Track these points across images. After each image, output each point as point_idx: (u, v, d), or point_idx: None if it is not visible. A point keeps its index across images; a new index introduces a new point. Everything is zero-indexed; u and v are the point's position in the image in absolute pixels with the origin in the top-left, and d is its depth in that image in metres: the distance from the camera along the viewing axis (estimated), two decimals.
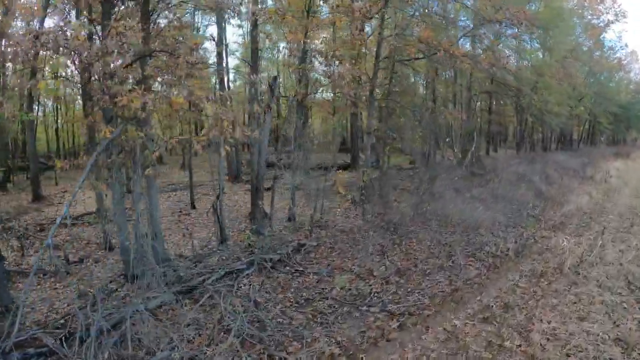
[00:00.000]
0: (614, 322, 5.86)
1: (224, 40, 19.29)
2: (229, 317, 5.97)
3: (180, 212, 11.96)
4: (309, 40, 11.22)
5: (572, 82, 30.49)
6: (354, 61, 12.09)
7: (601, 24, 39.34)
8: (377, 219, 10.52)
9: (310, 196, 11.12)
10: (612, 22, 38.47)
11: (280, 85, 20.38)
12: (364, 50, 13.62)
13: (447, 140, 22.70)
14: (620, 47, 47.52)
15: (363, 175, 11.34)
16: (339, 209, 12.49)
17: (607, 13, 37.98)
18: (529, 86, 23.88)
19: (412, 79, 20.07)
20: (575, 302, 6.51)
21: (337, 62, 11.17)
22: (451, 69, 21.03)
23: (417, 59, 13.39)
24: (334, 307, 6.67)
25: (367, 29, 15.29)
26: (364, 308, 6.59)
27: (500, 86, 24.11)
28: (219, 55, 19.19)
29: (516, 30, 22.23)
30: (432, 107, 19.61)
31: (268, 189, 12.30)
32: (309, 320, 6.25)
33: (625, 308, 6.28)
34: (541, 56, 30.84)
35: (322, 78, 12.64)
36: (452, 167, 17.83)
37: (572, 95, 33.94)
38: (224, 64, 20.20)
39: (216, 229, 9.15)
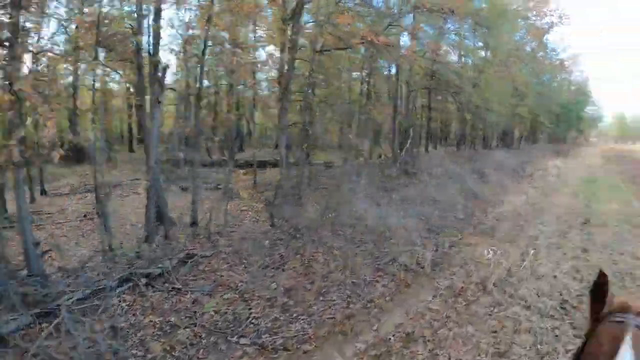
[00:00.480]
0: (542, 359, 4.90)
1: None
2: (80, 347, 4.91)
3: (84, 216, 10.37)
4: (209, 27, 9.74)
5: (514, 81, 31.78)
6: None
7: (545, 26, 40.90)
8: (287, 224, 9.00)
9: (222, 197, 9.66)
10: (556, 25, 40.49)
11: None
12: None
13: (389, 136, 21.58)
14: (563, 49, 51.50)
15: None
16: (250, 212, 10.86)
17: (552, 15, 39.66)
18: (470, 83, 24.21)
19: (346, 73, 18.78)
20: (495, 332, 5.59)
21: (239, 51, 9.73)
22: (392, 64, 20.68)
23: (339, 49, 12.09)
24: (201, 336, 5.54)
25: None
26: (234, 339, 5.51)
27: (441, 83, 24.14)
28: None
29: (457, 26, 24.63)
30: (366, 102, 19.68)
31: (186, 188, 11.67)
32: (166, 353, 5.17)
33: (557, 336, 5.43)
34: (484, 55, 31.23)
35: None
36: (384, 165, 16.80)
37: (514, 94, 35.09)
38: None
39: (102, 237, 7.47)
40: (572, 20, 53.81)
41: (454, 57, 30.82)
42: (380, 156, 23.07)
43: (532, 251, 8.38)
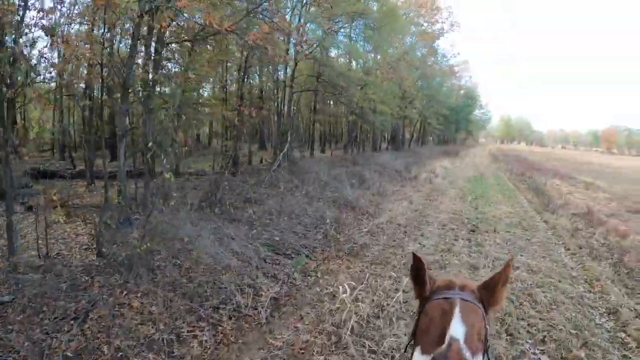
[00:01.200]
0: None
1: None
2: None
3: None
4: None
5: (403, 83, 32.32)
6: None
7: (436, 32, 42.18)
8: (120, 252, 6.95)
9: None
10: (447, 32, 42.42)
11: None
12: None
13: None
14: (453, 54, 54.44)
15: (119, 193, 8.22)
16: (85, 236, 8.59)
17: (443, 22, 41.33)
18: (355, 85, 23.99)
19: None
20: None
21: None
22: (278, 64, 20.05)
23: (185, 40, 10.39)
24: None
25: None
26: None
27: (326, 85, 23.68)
28: None
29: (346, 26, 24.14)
30: (240, 103, 18.23)
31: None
32: None
33: None
34: (373, 57, 31.70)
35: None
36: (258, 172, 15.36)
37: (402, 95, 35.60)
38: None
39: None
40: (464, 26, 56.12)
41: (343, 60, 31.72)
42: (261, 161, 21.64)
43: (406, 279, 6.50)
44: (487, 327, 1.58)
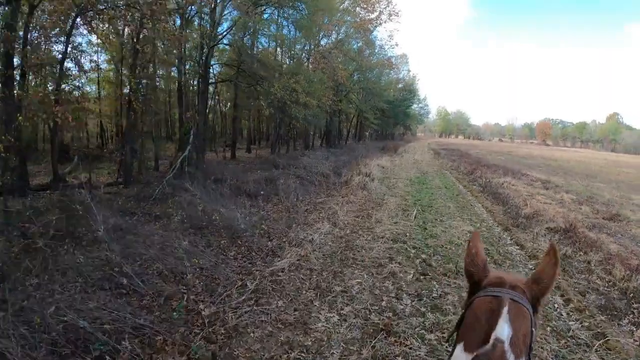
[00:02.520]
0: None
1: None
2: None
3: None
4: None
5: (336, 75, 30.18)
6: None
7: (373, 22, 39.58)
8: None
9: None
10: (385, 22, 39.90)
11: None
12: None
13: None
14: (391, 46, 49.12)
15: None
16: None
17: (381, 12, 38.73)
18: (278, 75, 22.19)
19: None
20: None
21: None
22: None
23: None
24: None
25: None
26: None
27: (245, 75, 21.65)
28: None
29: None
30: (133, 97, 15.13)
31: None
32: None
33: None
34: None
35: None
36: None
37: (336, 88, 34.25)
38: None
39: None
40: (402, 18, 53.92)
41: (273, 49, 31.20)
42: (171, 165, 17.89)
43: None
44: (534, 329, 1.54)
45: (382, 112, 57.63)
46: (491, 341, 1.40)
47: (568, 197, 17.30)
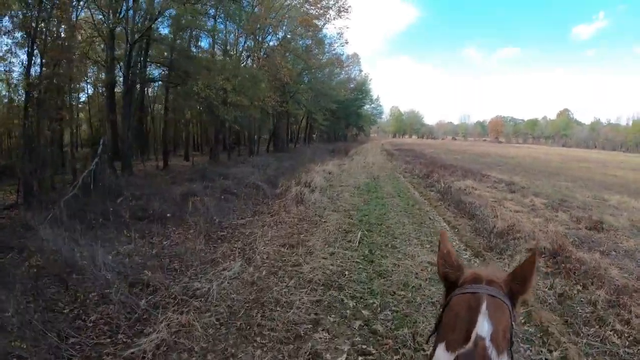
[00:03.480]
0: None
1: None
2: None
3: None
4: None
5: (279, 73, 29.76)
6: None
7: (321, 18, 38.39)
8: None
9: None
10: (334, 19, 38.83)
11: None
12: None
13: None
14: (341, 44, 46.44)
15: None
16: None
17: (330, 8, 37.61)
18: (210, 73, 20.00)
19: None
20: None
21: None
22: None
23: None
24: None
25: None
26: None
27: (176, 75, 21.34)
28: None
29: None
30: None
31: None
32: None
33: None
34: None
35: None
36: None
37: (283, 89, 34.71)
38: None
39: None
40: (353, 15, 52.90)
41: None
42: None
43: None
44: (513, 323, 1.56)
45: (332, 112, 56.85)
46: (472, 339, 1.39)
47: (539, 201, 15.26)
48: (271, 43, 36.23)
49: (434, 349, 1.54)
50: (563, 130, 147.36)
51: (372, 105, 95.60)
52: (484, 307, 1.47)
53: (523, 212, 13.13)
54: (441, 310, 1.65)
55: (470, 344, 1.38)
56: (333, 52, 48.55)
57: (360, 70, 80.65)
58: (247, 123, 27.89)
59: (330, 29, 55.01)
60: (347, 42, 46.50)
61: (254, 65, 30.48)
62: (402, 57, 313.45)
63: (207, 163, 24.80)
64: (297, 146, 51.32)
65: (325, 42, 45.70)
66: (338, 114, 61.98)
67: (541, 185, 21.62)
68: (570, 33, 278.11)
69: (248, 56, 31.82)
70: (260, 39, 32.32)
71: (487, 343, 1.38)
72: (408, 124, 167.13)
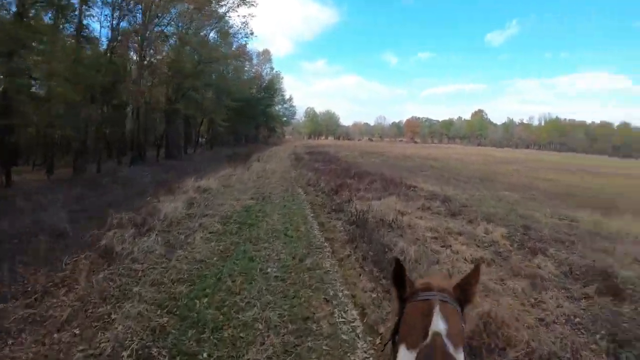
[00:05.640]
0: None
1: None
2: None
3: None
4: None
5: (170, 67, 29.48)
6: None
7: (223, 4, 36.36)
8: None
9: None
10: (238, 6, 36.81)
11: None
12: None
13: None
14: (246, 34, 41.62)
15: None
16: None
17: None
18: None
19: None
20: None
21: None
22: None
23: None
24: None
25: None
26: None
27: None
28: None
29: None
30: None
31: None
32: None
33: None
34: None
35: None
36: None
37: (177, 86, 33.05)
38: None
39: None
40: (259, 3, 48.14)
41: None
42: None
43: None
44: (464, 325, 1.66)
45: (237, 112, 50.52)
46: (430, 335, 1.48)
47: (498, 233, 10.14)
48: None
49: (396, 353, 1.60)
50: (478, 130, 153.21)
51: (285, 105, 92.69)
52: (437, 309, 1.57)
53: (488, 264, 7.84)
54: (397, 318, 1.72)
55: (428, 340, 1.47)
56: (237, 42, 44.07)
57: (272, 68, 77.87)
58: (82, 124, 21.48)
59: (235, 18, 50.18)
60: (252, 33, 41.23)
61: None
62: (319, 60, 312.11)
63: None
64: (197, 151, 45.57)
65: (231, 32, 41.29)
66: (245, 113, 55.15)
67: (483, 199, 16.79)
68: (484, 39, 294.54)
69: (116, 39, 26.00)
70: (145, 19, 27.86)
71: (445, 338, 1.46)
72: (324, 125, 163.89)
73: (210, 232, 10.10)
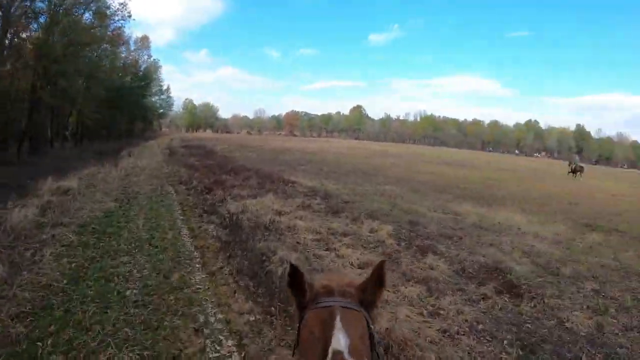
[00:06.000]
0: None
1: None
2: None
3: None
4: None
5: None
6: None
7: None
8: None
9: None
10: None
11: None
12: None
13: None
14: (123, 16, 38.86)
15: None
16: None
17: None
18: None
19: None
20: None
21: None
22: None
23: None
24: None
25: None
26: None
27: None
28: None
29: None
30: None
31: None
32: None
33: None
34: None
35: None
36: None
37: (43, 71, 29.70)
38: None
39: None
40: None
41: None
42: None
43: None
44: (372, 326, 1.57)
45: (109, 102, 46.57)
46: (330, 355, 1.37)
47: (384, 231, 9.84)
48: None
49: None
50: (356, 124, 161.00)
51: (162, 96, 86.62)
52: (337, 320, 1.45)
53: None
54: (297, 327, 1.61)
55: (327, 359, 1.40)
56: (113, 25, 40.53)
57: (150, 56, 72.73)
58: None
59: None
60: (130, 16, 38.41)
61: None
62: (201, 51, 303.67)
63: None
64: (68, 146, 41.18)
65: (107, 13, 37.79)
66: (117, 103, 51.33)
67: (365, 194, 16.57)
68: (366, 40, 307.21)
69: None
70: None
71: (346, 356, 1.35)
72: (202, 118, 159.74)
73: (63, 246, 8.46)
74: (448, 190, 20.53)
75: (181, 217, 11.65)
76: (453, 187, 22.62)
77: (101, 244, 8.84)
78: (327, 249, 8.63)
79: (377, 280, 1.62)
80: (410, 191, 18.75)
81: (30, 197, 12.75)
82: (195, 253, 8.49)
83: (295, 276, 1.62)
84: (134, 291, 6.49)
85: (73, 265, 7.47)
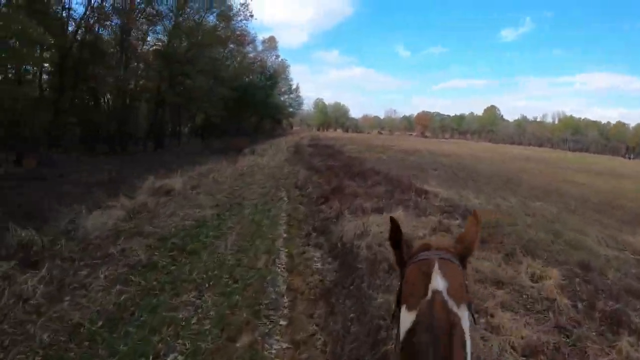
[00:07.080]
0: None
1: None
2: None
3: None
4: None
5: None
6: None
7: None
8: None
9: None
10: None
11: None
12: None
13: None
14: (245, 16, 40.43)
15: None
16: None
17: None
18: None
19: None
20: None
21: None
22: None
23: None
24: None
25: None
26: None
27: None
28: None
29: None
30: None
31: None
32: None
33: None
34: None
35: None
36: None
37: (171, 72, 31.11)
38: None
39: None
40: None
41: None
42: None
43: None
44: (466, 282, 1.62)
45: (235, 101, 47.56)
46: (429, 293, 1.44)
47: (551, 281, 6.25)
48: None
49: (399, 315, 1.54)
50: (490, 125, 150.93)
51: (291, 95, 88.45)
52: (436, 267, 1.51)
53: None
54: (399, 283, 1.68)
55: (428, 297, 1.42)
56: (237, 25, 41.69)
57: (277, 56, 75.02)
58: None
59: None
60: (252, 16, 39.00)
61: None
62: (333, 51, 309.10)
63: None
64: (192, 142, 42.63)
65: (230, 14, 39.31)
66: (243, 102, 51.79)
67: (513, 212, 12.81)
68: (498, 35, 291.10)
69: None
70: None
71: (445, 295, 1.41)
72: (333, 117, 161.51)
73: (125, 266, 6.67)
74: (608, 211, 16.21)
75: (284, 236, 9.46)
76: (614, 206, 18.01)
77: (172, 267, 6.93)
78: (475, 312, 5.62)
79: (471, 231, 1.66)
80: (565, 211, 14.71)
81: (125, 198, 11.47)
82: (285, 299, 6.04)
83: (395, 231, 1.67)
84: (179, 358, 4.33)
85: (122, 297, 5.62)
